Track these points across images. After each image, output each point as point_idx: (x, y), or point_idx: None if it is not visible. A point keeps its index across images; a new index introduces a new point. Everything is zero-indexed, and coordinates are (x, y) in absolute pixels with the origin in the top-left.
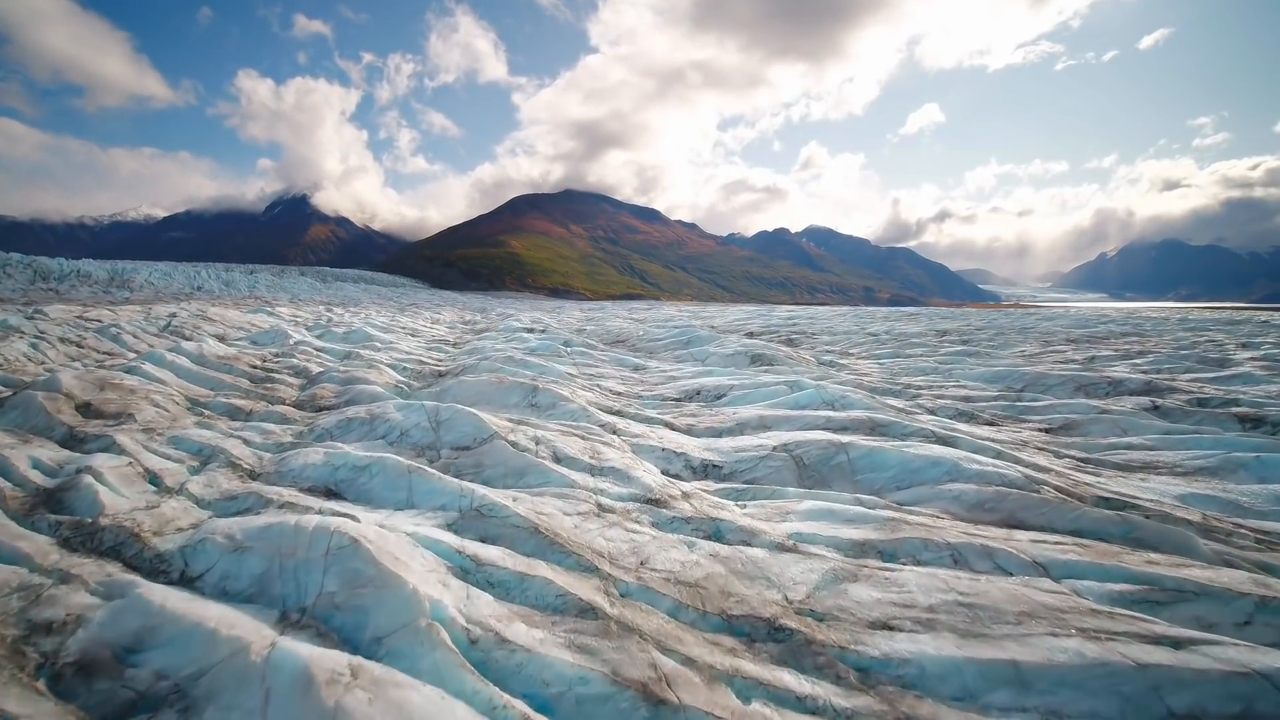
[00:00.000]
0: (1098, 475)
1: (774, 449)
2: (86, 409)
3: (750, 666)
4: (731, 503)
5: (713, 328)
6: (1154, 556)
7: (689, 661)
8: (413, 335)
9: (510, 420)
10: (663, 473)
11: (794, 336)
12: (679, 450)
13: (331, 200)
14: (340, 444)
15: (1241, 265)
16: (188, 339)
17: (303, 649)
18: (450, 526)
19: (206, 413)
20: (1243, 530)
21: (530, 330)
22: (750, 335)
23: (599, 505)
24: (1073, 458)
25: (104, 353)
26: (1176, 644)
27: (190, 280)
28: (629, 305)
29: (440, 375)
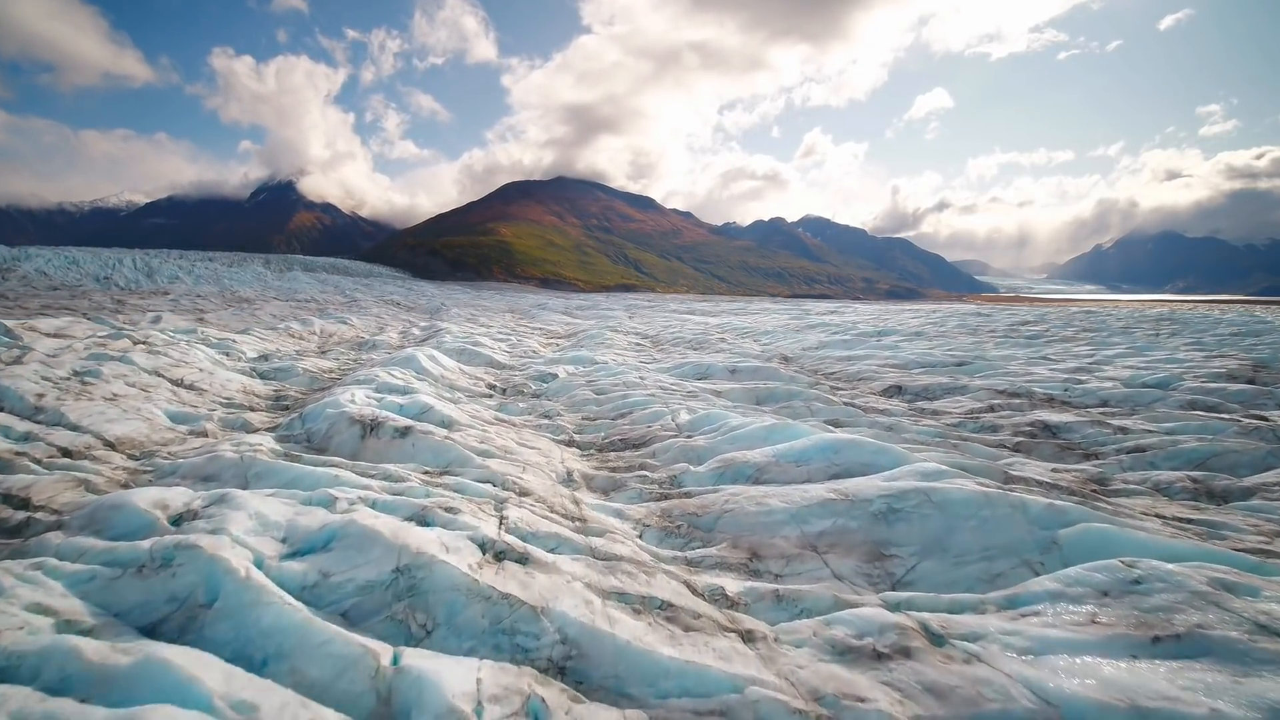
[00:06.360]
0: None
1: None
2: None
3: None
4: None
5: (785, 358)
6: None
7: None
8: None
9: None
10: None
11: (1032, 427)
12: None
13: (318, 186)
14: None
15: (1239, 257)
16: None
17: None
18: None
19: None
20: None
21: (404, 401)
22: (897, 396)
23: None
24: None
25: None
26: None
27: (102, 269)
28: (626, 301)
29: None
